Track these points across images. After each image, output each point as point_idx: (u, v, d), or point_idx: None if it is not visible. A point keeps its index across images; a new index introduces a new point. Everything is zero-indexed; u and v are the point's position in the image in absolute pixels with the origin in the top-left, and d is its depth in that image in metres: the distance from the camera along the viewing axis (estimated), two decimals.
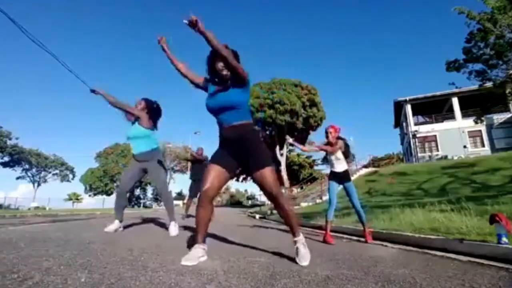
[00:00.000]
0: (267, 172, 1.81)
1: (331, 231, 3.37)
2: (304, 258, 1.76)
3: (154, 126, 3.40)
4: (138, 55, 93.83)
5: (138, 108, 3.32)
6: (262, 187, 1.84)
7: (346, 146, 3.48)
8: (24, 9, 58.85)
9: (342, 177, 3.43)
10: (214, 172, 1.84)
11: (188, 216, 6.33)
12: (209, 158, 2.04)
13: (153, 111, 3.42)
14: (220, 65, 1.86)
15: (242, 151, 1.86)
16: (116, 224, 3.16)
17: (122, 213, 3.26)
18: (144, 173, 3.37)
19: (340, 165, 3.45)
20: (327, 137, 3.45)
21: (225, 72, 1.87)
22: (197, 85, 2.02)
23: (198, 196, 1.94)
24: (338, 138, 3.47)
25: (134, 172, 3.29)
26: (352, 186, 3.40)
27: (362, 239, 3.28)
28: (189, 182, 6.64)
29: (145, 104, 3.37)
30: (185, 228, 3.84)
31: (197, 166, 6.44)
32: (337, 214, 5.52)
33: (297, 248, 1.83)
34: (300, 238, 1.87)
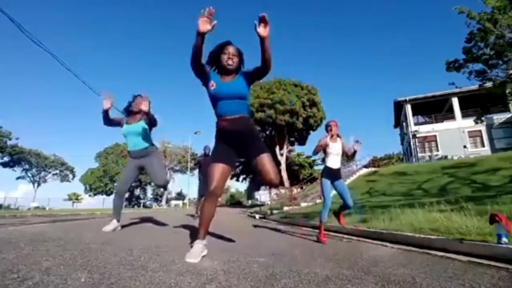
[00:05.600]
0: (267, 158, 1.93)
1: (325, 230, 3.40)
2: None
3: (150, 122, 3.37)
4: (137, 55, 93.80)
5: (142, 106, 3.23)
6: (263, 173, 1.91)
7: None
8: (23, 8, 58.82)
9: (335, 174, 3.47)
10: (219, 171, 1.89)
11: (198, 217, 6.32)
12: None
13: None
14: (232, 59, 1.95)
15: (242, 141, 1.95)
16: (113, 223, 3.18)
17: (119, 213, 3.28)
18: (140, 172, 3.38)
19: (337, 162, 3.49)
20: (327, 131, 3.49)
21: (233, 66, 1.96)
22: (203, 74, 1.98)
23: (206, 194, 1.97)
24: (338, 136, 3.54)
25: (130, 171, 3.29)
26: (344, 183, 3.48)
27: (362, 239, 3.29)
28: (187, 181, 6.67)
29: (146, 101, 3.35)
30: (192, 229, 3.84)
31: (205, 163, 6.47)
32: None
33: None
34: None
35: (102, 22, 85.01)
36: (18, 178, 41.38)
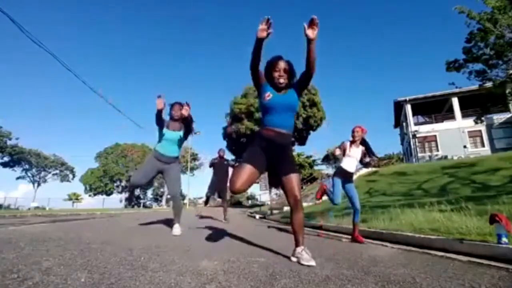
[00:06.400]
0: (296, 177, 1.99)
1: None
2: (310, 260, 1.78)
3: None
4: (137, 54, 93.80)
5: (183, 111, 3.28)
6: (288, 190, 1.96)
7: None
8: (23, 8, 58.86)
9: (349, 177, 3.49)
10: (248, 172, 1.93)
11: (202, 217, 6.35)
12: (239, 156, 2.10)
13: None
14: (282, 77, 2.00)
15: (279, 155, 2.01)
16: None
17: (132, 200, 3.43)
18: (157, 174, 3.42)
19: (354, 166, 3.52)
20: (353, 136, 3.51)
21: (284, 83, 2.02)
22: (257, 79, 2.06)
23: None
24: (363, 140, 3.54)
25: (150, 169, 3.33)
26: (354, 187, 3.48)
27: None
28: (187, 181, 6.71)
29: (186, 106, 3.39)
30: (192, 229, 3.83)
31: (218, 165, 6.56)
32: (337, 214, 5.52)
33: (301, 255, 1.82)
34: (304, 247, 1.89)
35: (102, 22, 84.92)
36: (18, 178, 41.37)
